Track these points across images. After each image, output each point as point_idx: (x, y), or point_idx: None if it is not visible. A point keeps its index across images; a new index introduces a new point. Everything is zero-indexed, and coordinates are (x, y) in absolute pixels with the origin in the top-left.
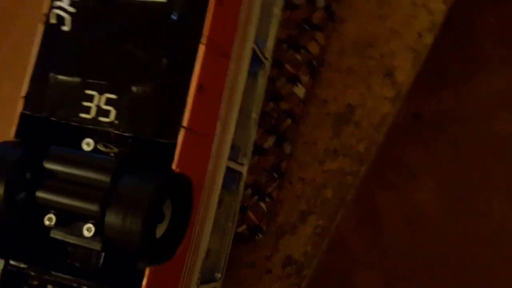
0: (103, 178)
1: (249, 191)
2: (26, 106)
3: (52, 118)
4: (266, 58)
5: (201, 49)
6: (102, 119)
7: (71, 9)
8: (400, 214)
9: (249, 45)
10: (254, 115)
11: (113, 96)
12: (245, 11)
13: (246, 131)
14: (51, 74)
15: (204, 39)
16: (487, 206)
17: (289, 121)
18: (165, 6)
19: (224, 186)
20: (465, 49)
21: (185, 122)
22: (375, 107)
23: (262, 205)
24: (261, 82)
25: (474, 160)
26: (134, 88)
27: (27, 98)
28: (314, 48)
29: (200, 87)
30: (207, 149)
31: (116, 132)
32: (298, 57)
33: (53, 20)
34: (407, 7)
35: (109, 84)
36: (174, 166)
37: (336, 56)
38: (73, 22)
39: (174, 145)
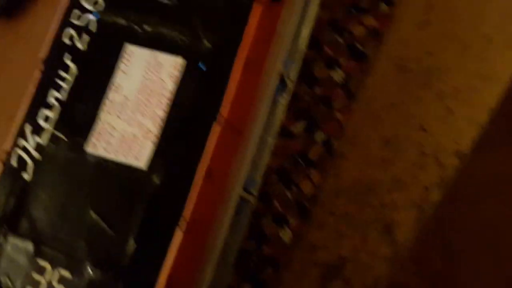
0: None
1: None
2: None
3: None
4: (252, 195)
5: (178, 235)
6: None
7: (36, 155)
8: None
9: (234, 201)
10: (231, 259)
11: (67, 274)
12: (234, 180)
13: (219, 275)
14: (2, 230)
15: (183, 224)
16: None
17: (270, 269)
18: (144, 174)
19: None
20: None
21: None
22: (369, 265)
23: None
24: (244, 220)
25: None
26: (91, 270)
27: None
28: (307, 187)
29: (170, 282)
30: None
31: None
32: (289, 194)
33: (14, 162)
34: (415, 155)
35: (64, 258)
36: None
37: (331, 197)
38: (36, 171)
39: None
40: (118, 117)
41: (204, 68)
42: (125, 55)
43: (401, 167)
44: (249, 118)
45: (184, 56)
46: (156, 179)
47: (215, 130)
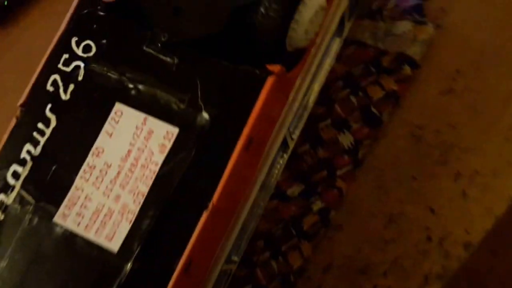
0: None
1: None
2: None
3: None
4: (234, 263)
5: None
6: None
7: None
8: None
9: (214, 278)
10: None
11: None
12: (216, 262)
13: None
14: None
15: None
16: None
17: None
18: (115, 259)
19: None
20: None
21: None
22: None
23: None
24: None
25: None
26: None
27: None
28: (295, 260)
29: None
30: None
31: None
32: (274, 265)
33: None
34: (419, 239)
35: None
36: None
37: (319, 272)
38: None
39: None
40: (95, 186)
41: None
42: (113, 115)
43: (401, 250)
44: (244, 199)
45: (178, 125)
46: (127, 266)
47: (203, 218)
